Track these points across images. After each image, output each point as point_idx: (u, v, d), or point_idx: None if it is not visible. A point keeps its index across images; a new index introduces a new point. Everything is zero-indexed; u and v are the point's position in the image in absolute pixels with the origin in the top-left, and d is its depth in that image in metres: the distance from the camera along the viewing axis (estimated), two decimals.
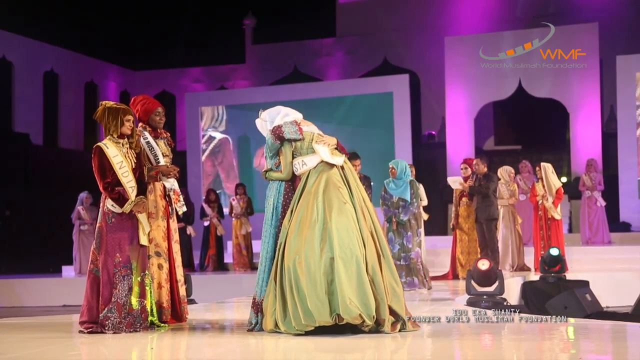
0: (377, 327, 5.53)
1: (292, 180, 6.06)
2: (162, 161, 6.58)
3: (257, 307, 5.94)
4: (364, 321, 5.40)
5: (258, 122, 6.20)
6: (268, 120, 6.12)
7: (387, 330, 5.52)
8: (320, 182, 5.77)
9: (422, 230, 9.85)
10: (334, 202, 5.65)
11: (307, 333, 5.48)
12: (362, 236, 5.62)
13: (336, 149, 5.99)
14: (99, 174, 6.13)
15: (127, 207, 6.09)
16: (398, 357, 5.14)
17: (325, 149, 5.90)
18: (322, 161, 5.87)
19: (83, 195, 14.71)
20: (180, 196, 6.68)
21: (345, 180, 5.84)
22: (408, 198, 9.56)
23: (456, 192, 11.56)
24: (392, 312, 5.60)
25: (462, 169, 11.53)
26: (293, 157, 5.98)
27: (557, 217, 11.84)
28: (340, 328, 5.46)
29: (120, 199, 6.09)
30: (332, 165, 5.88)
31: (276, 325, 5.64)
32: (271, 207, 6.05)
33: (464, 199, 11.42)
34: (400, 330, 5.61)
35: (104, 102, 6.34)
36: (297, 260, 5.53)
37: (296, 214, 5.74)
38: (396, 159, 9.90)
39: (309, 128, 6.06)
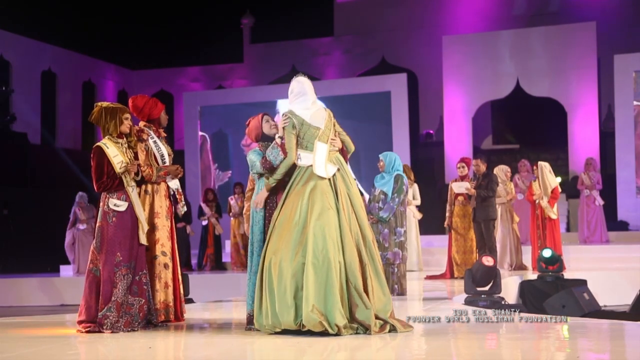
0: (364, 332, 5.51)
1: (276, 192, 6.00)
2: (168, 160, 6.63)
3: (249, 319, 5.96)
4: (325, 329, 5.37)
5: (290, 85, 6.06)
6: (291, 88, 5.98)
7: (375, 333, 5.49)
8: (308, 184, 5.73)
9: (403, 229, 8.96)
10: (317, 206, 5.62)
11: (299, 333, 5.48)
12: (342, 242, 5.58)
13: (337, 151, 5.95)
14: (96, 174, 6.14)
15: (129, 182, 6.11)
16: (383, 354, 5.14)
17: (324, 149, 5.81)
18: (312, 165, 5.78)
19: (77, 197, 14.71)
20: (182, 196, 6.74)
21: (334, 187, 5.77)
22: (389, 192, 8.88)
23: (452, 191, 11.55)
24: (378, 318, 5.58)
25: (459, 167, 11.51)
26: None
27: (554, 216, 11.84)
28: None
29: (121, 183, 6.11)
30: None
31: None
32: (256, 218, 6.02)
33: (460, 198, 11.41)
34: (389, 332, 5.58)
35: (99, 103, 6.35)
36: (273, 261, 5.57)
37: (282, 212, 5.74)
38: (386, 152, 9.26)
39: (321, 121, 5.89)
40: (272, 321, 5.53)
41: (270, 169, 5.95)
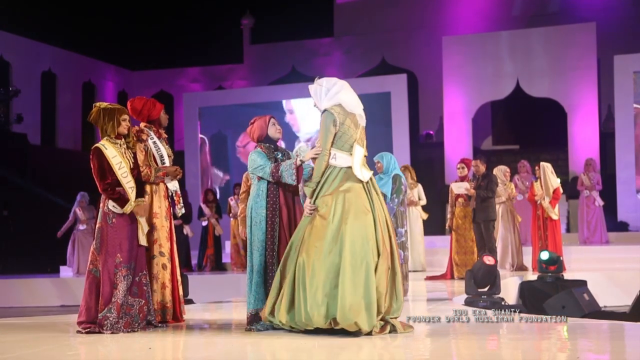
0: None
1: (277, 192, 6.01)
2: (167, 161, 6.62)
3: (250, 319, 5.96)
4: (360, 329, 5.37)
5: (312, 87, 5.91)
6: (324, 87, 5.85)
7: (375, 334, 5.49)
8: (342, 185, 5.66)
9: (404, 230, 8.94)
10: (353, 207, 5.58)
11: (330, 332, 5.48)
12: (377, 246, 5.58)
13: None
14: (98, 175, 6.12)
15: (127, 208, 6.09)
16: (384, 355, 5.14)
17: (361, 152, 5.78)
18: (350, 167, 5.71)
19: (79, 196, 14.71)
20: (180, 198, 6.73)
21: (367, 192, 5.74)
22: (388, 193, 8.83)
23: (453, 193, 11.56)
24: (381, 319, 5.58)
25: (459, 168, 11.52)
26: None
27: (555, 217, 11.85)
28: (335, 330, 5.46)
29: (121, 200, 6.09)
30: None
31: (271, 313, 5.66)
32: (256, 219, 6.00)
33: (460, 199, 11.41)
34: (390, 332, 5.59)
35: (98, 104, 6.33)
36: (306, 258, 5.54)
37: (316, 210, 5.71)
38: (381, 153, 9.20)
39: (358, 123, 5.87)
40: (305, 319, 5.50)
41: (277, 180, 5.95)
